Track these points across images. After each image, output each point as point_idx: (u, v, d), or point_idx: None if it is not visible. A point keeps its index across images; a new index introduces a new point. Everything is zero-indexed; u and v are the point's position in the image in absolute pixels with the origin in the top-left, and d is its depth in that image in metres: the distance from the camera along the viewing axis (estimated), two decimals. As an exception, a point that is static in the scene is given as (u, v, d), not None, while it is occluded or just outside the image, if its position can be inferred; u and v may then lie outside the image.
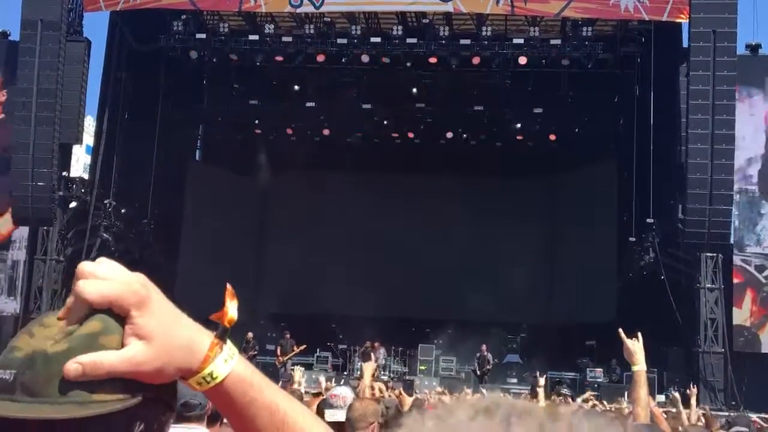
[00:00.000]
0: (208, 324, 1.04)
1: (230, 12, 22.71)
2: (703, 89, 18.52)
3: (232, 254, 25.20)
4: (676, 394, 9.24)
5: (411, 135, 27.62)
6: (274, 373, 19.22)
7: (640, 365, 4.14)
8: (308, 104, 25.82)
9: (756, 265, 20.46)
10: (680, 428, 6.64)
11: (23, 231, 21.65)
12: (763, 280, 20.37)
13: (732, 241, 20.10)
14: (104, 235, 21.83)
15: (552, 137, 26.34)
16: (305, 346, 21.07)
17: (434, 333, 23.98)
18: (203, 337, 1.01)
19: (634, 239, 22.02)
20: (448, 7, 20.85)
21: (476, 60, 22.74)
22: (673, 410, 8.26)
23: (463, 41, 22.67)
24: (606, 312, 22.07)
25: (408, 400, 8.00)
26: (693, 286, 19.64)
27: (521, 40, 22.47)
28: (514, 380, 21.81)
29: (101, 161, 22.42)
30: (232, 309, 1.05)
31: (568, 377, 20.55)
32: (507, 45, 22.54)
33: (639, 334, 4.18)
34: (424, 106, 26.34)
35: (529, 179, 27.28)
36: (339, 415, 4.13)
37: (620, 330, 4.24)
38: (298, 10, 21.38)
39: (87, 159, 30.46)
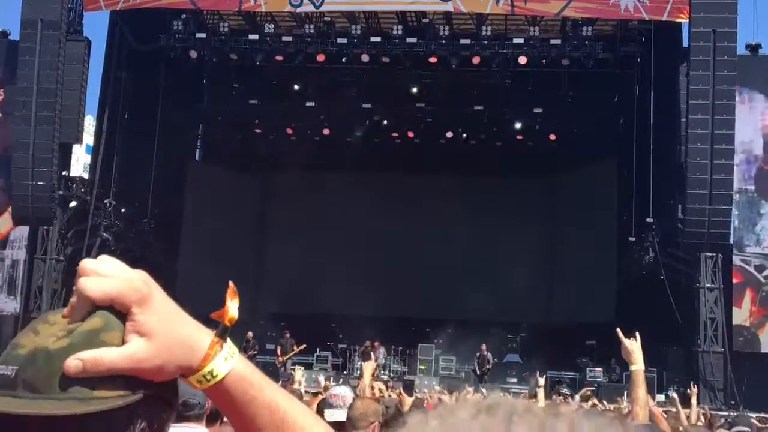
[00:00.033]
0: (209, 323, 1.05)
1: (230, 11, 22.72)
2: (703, 89, 18.52)
3: (232, 254, 25.19)
4: (674, 395, 9.25)
5: (411, 134, 27.62)
6: (273, 372, 19.23)
7: (638, 365, 4.16)
8: (308, 104, 25.83)
9: (755, 265, 20.47)
10: (680, 428, 6.65)
11: (23, 230, 21.65)
12: (763, 280, 20.38)
13: (731, 241, 20.10)
14: (104, 234, 21.83)
15: (552, 137, 26.35)
16: (305, 345, 21.07)
17: (434, 332, 23.99)
18: (204, 335, 1.02)
19: (633, 239, 22.02)
20: (448, 7, 20.85)
21: (476, 60, 22.74)
22: (673, 410, 8.27)
23: (463, 41, 22.67)
24: (606, 312, 22.08)
25: (408, 400, 8.01)
26: (693, 286, 19.64)
27: (521, 40, 22.47)
28: (514, 380, 21.83)
29: (101, 161, 22.43)
30: (232, 307, 1.05)
31: (568, 377, 20.55)
32: (507, 45, 22.54)
33: (637, 334, 4.20)
34: (424, 105, 26.36)
35: (529, 179, 27.28)
36: (338, 415, 4.13)
37: (618, 330, 4.26)
38: (298, 10, 21.38)
39: (87, 158, 30.47)
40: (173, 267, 24.04)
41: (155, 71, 23.73)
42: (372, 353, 19.73)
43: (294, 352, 20.94)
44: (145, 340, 0.95)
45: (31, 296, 20.93)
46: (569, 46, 22.29)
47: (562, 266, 27.28)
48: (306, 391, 10.50)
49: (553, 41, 22.51)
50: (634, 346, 4.17)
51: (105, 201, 22.17)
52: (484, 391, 16.72)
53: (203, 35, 23.33)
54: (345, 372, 21.21)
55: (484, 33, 22.31)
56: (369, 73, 24.83)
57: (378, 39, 22.76)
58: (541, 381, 8.87)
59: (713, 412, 12.16)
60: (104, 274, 0.96)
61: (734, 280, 20.18)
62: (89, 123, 26.87)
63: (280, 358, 20.88)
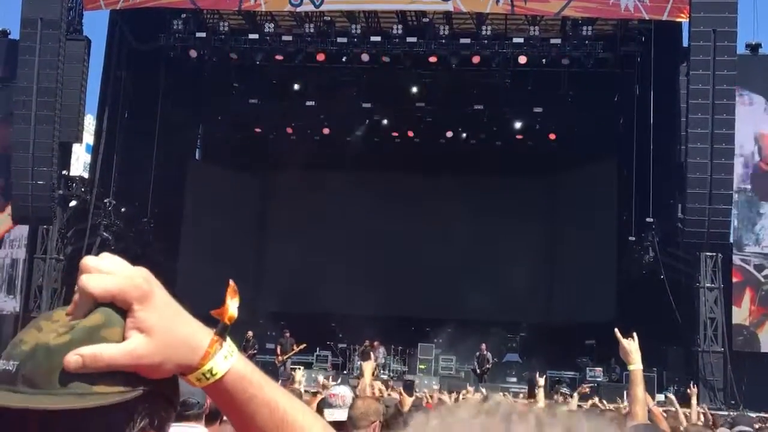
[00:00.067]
0: (209, 322, 1.05)
1: (230, 11, 22.72)
2: (703, 89, 18.52)
3: (232, 253, 25.20)
4: (672, 396, 9.25)
5: (411, 134, 27.63)
6: (273, 371, 19.25)
7: (636, 364, 4.20)
8: (308, 103, 25.83)
9: (755, 265, 20.48)
10: (681, 428, 6.66)
11: (23, 229, 21.65)
12: (762, 280, 20.39)
13: (731, 240, 20.11)
14: (104, 233, 21.83)
15: (552, 136, 26.36)
16: (305, 345, 21.08)
17: (434, 332, 24.00)
18: (204, 333, 1.02)
19: (633, 239, 22.02)
20: (448, 6, 20.85)
21: (476, 59, 22.73)
22: (673, 409, 8.28)
23: (463, 40, 22.66)
24: (605, 311, 22.09)
25: (408, 401, 8.01)
26: (692, 286, 19.64)
27: (521, 40, 22.46)
28: (514, 379, 21.85)
29: (101, 160, 22.43)
30: (232, 306, 1.06)
31: (568, 376, 20.56)
32: (507, 44, 22.54)
33: (634, 334, 4.23)
34: (424, 105, 26.36)
35: (529, 179, 27.28)
36: (338, 415, 4.14)
37: (616, 330, 4.29)
38: (298, 9, 21.38)
39: (87, 158, 30.48)
40: (173, 266, 24.04)
41: (155, 71, 23.73)
42: (372, 353, 19.74)
43: (294, 351, 20.95)
44: (145, 336, 0.96)
45: (31, 295, 20.94)
46: (569, 46, 22.28)
47: (562, 266, 27.28)
48: (306, 391, 10.50)
49: (553, 41, 22.51)
50: (632, 346, 4.20)
51: (105, 200, 22.18)
52: (483, 390, 16.74)
53: (203, 35, 23.33)
54: (345, 371, 21.20)
55: (484, 32, 22.31)
56: (369, 73, 24.83)
57: (378, 38, 22.76)
58: (541, 381, 8.89)
59: (713, 412, 12.16)
60: (106, 272, 0.97)
61: (734, 280, 20.19)
62: (89, 122, 26.86)
63: (279, 357, 20.90)
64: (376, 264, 26.39)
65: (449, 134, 26.95)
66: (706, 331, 19.10)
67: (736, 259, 20.42)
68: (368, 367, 7.49)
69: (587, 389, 13.37)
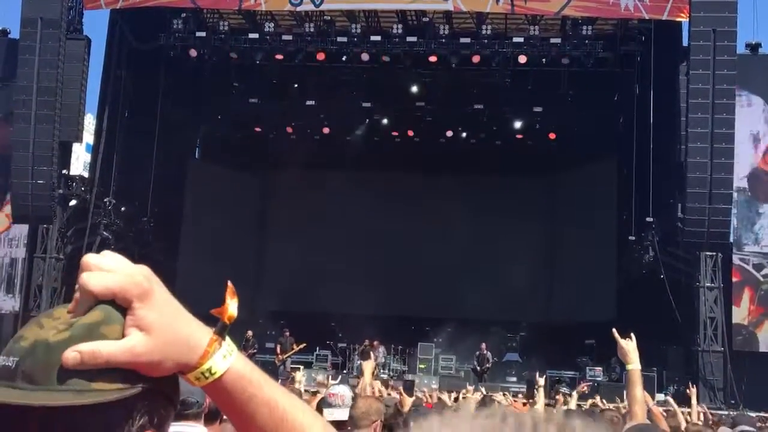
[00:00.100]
0: (208, 321, 1.05)
1: (230, 10, 22.72)
2: (703, 88, 18.52)
3: (231, 253, 25.20)
4: (669, 398, 9.27)
5: (411, 133, 27.63)
6: (273, 371, 19.26)
7: (634, 364, 4.23)
8: (308, 103, 25.82)
9: (754, 264, 20.48)
10: (682, 428, 6.67)
11: (23, 228, 21.66)
12: (761, 279, 20.40)
13: (731, 240, 20.12)
14: (104, 233, 21.82)
15: (552, 136, 26.37)
16: (305, 344, 21.09)
17: (434, 331, 24.01)
18: (203, 332, 1.02)
19: (633, 238, 22.02)
20: (448, 6, 20.85)
21: (476, 58, 22.73)
22: (672, 409, 8.29)
23: (463, 40, 22.66)
24: (605, 311, 22.10)
25: (408, 401, 8.01)
26: (692, 285, 19.64)
27: (521, 39, 22.46)
28: (514, 379, 21.85)
29: (101, 159, 22.43)
30: (232, 306, 1.06)
31: (568, 376, 20.56)
32: (507, 44, 22.54)
33: (632, 335, 4.25)
34: (423, 104, 26.37)
35: (529, 178, 27.29)
36: (337, 414, 4.14)
37: (614, 330, 4.30)
38: (298, 9, 21.38)
39: (87, 157, 30.47)
40: (173, 266, 24.03)
41: (155, 70, 23.73)
42: (372, 352, 19.76)
43: (293, 350, 20.95)
44: (145, 334, 0.96)
45: (31, 295, 20.94)
46: (569, 45, 22.28)
47: (562, 265, 27.28)
48: (306, 390, 10.51)
49: (553, 40, 22.51)
50: (630, 346, 4.22)
51: (105, 199, 22.18)
52: (483, 390, 16.74)
53: (203, 34, 23.32)
54: (344, 371, 21.20)
55: (484, 32, 22.31)
56: (369, 72, 24.83)
57: (378, 38, 22.76)
58: (541, 381, 8.88)
59: (713, 412, 12.17)
60: (107, 269, 0.97)
61: (733, 279, 20.19)
62: (89, 121, 26.86)
63: (279, 356, 20.90)
64: (376, 263, 26.39)
65: (449, 134, 26.96)
66: (706, 330, 19.10)
67: (735, 259, 20.43)
68: (368, 366, 7.50)
69: (585, 389, 13.38)
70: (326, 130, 27.19)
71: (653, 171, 21.03)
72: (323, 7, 21.31)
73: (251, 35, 23.10)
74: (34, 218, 20.75)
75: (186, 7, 22.10)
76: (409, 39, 22.50)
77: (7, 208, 21.31)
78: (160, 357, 0.97)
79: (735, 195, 19.87)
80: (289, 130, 27.77)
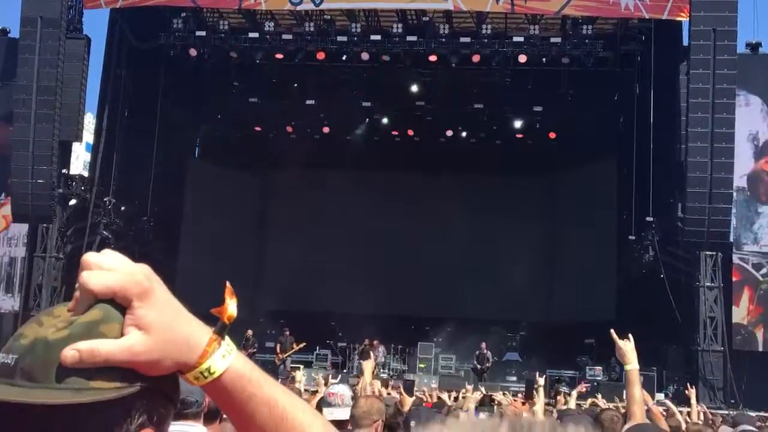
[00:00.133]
0: (208, 321, 1.05)
1: (230, 9, 22.71)
2: (703, 87, 18.52)
3: (231, 252, 25.20)
4: (667, 401, 9.27)
5: (411, 133, 27.63)
6: (273, 370, 19.25)
7: (632, 364, 4.25)
8: (308, 102, 25.82)
9: (753, 264, 20.49)
10: (683, 428, 6.67)
11: (22, 227, 21.65)
12: (761, 279, 20.40)
13: (731, 239, 20.12)
14: (104, 232, 21.83)
15: (552, 135, 26.37)
16: (305, 343, 21.09)
17: (434, 331, 24.01)
18: (202, 332, 1.02)
19: (633, 238, 22.02)
20: (448, 5, 20.85)
21: (476, 58, 22.73)
22: (672, 409, 8.30)
23: (463, 39, 22.66)
24: (605, 310, 22.09)
25: (408, 401, 8.02)
26: (692, 285, 19.64)
27: (521, 38, 22.45)
28: (514, 378, 21.85)
29: (101, 158, 22.43)
30: (232, 305, 1.06)
31: (568, 375, 20.56)
32: (507, 43, 22.53)
33: (630, 335, 4.26)
34: (424, 104, 26.36)
35: (529, 177, 27.28)
36: (337, 414, 4.14)
37: (612, 330, 4.32)
38: (298, 8, 21.38)
39: (87, 156, 30.47)
40: (173, 265, 24.02)
41: (155, 69, 23.72)
42: (371, 352, 19.75)
43: (293, 350, 20.95)
44: (144, 333, 0.96)
45: (31, 294, 20.94)
46: (569, 45, 22.28)
47: (562, 265, 27.28)
48: (306, 390, 10.51)
49: (553, 40, 22.50)
50: (627, 346, 4.24)
51: (105, 199, 22.18)
52: (483, 389, 16.73)
53: (203, 33, 23.32)
54: (344, 370, 21.20)
55: (484, 31, 22.30)
56: (369, 72, 24.83)
57: (378, 37, 22.75)
58: (541, 380, 8.88)
59: (713, 411, 12.17)
60: (107, 268, 0.97)
61: (733, 279, 20.20)
62: (89, 121, 26.84)
63: (279, 356, 20.90)
64: (376, 263, 26.38)
65: (449, 133, 26.96)
66: (705, 330, 19.11)
67: (735, 259, 20.44)
68: (368, 366, 7.50)
69: (584, 388, 13.36)
70: (326, 130, 27.19)
71: (653, 170, 21.03)
72: (323, 6, 21.31)
73: (251, 34, 23.10)
74: (34, 217, 20.75)
75: (186, 7, 22.10)
76: (409, 38, 22.50)
77: (6, 208, 21.30)
78: (159, 356, 0.97)
79: (734, 195, 19.87)
80: (289, 129, 27.76)
